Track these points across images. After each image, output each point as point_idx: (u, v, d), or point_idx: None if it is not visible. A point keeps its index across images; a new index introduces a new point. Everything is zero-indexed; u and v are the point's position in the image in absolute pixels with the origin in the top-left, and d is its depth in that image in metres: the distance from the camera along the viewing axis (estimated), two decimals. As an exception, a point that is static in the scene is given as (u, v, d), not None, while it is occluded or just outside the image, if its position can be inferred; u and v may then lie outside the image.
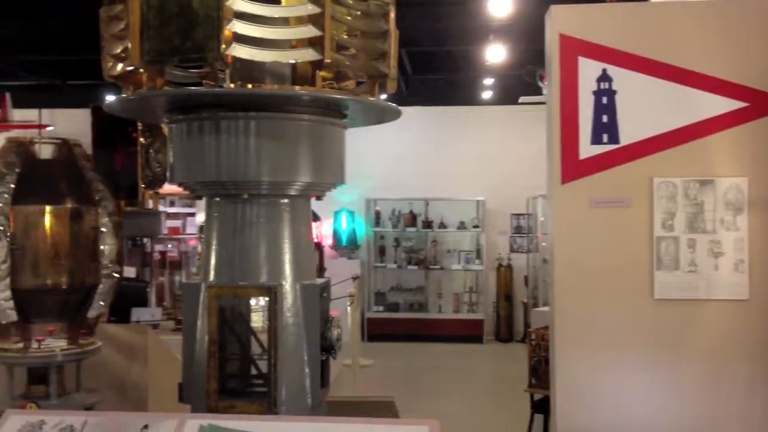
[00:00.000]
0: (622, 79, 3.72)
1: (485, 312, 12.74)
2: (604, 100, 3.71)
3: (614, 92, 3.74)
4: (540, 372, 5.70)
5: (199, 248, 8.62)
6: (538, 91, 10.06)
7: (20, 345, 3.15)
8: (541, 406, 5.96)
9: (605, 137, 3.74)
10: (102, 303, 3.35)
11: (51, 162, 3.11)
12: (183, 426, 1.88)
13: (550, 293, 3.89)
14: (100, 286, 3.24)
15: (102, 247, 3.29)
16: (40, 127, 10.87)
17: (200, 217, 11.40)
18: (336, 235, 12.59)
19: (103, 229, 3.25)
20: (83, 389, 3.28)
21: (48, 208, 3.02)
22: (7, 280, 2.90)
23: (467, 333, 12.36)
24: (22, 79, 10.58)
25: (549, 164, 3.87)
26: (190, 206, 12.41)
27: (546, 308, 7.04)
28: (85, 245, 3.15)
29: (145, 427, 1.89)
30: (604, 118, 3.72)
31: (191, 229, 12.25)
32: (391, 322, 12.49)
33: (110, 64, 2.60)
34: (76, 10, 7.39)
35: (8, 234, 2.90)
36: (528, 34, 8.91)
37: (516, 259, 12.80)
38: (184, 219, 12.51)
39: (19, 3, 7.50)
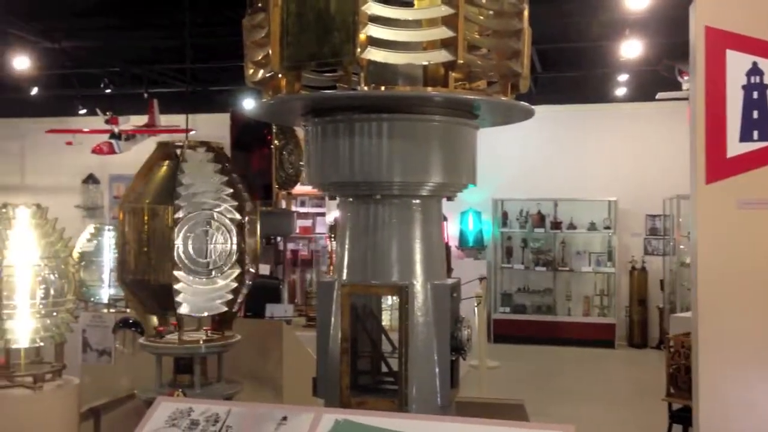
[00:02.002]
0: (774, 72, 3.49)
1: (617, 316, 12.29)
2: (755, 94, 3.49)
3: (766, 86, 3.51)
4: (679, 381, 5.43)
5: (329, 247, 8.84)
6: (676, 87, 9.59)
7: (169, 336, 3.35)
8: (681, 417, 5.69)
9: (755, 134, 3.51)
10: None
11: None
12: (319, 420, 1.94)
13: (693, 299, 3.70)
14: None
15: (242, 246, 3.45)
16: (185, 131, 11.55)
17: (330, 217, 11.70)
18: (462, 236, 12.55)
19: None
20: (224, 380, 3.45)
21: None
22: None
23: (598, 337, 11.98)
24: (168, 87, 11.26)
25: (692, 163, 3.68)
26: (320, 206, 12.77)
27: (686, 314, 6.69)
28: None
29: (284, 418, 1.97)
30: (755, 114, 3.49)
31: (321, 228, 12.59)
32: (517, 323, 12.30)
33: (251, 70, 2.72)
34: (217, 22, 7.81)
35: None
36: (666, 27, 8.52)
37: (651, 262, 12.27)
38: (314, 218, 12.88)
39: (165, 16, 8.00)
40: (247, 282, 3.40)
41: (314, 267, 12.13)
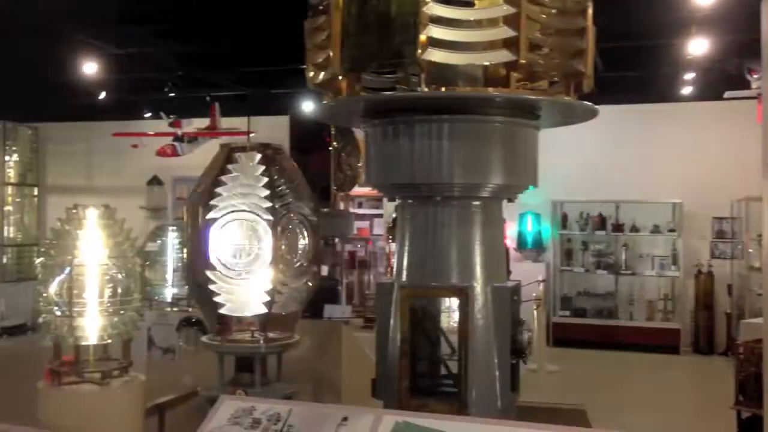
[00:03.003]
0: None
1: (682, 321, 11.96)
2: (829, 92, 3.35)
3: (841, 84, 3.37)
4: (749, 388, 5.26)
5: (387, 249, 8.86)
6: (745, 86, 9.28)
7: (229, 336, 3.41)
8: (750, 426, 5.50)
9: (832, 133, 3.37)
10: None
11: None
12: (380, 421, 1.94)
13: (765, 303, 3.57)
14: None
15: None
16: (246, 133, 11.73)
17: (388, 219, 11.70)
18: (521, 238, 12.41)
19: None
20: (283, 380, 3.48)
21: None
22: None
23: (661, 343, 11.67)
24: (229, 90, 11.46)
25: (764, 164, 3.55)
26: (377, 208, 12.79)
27: (757, 320, 6.46)
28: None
29: (345, 419, 1.98)
30: (832, 112, 3.36)
31: (378, 230, 12.61)
32: (578, 327, 12.09)
33: (312, 72, 2.74)
34: (277, 25, 7.90)
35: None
36: (735, 23, 8.24)
37: (717, 265, 11.89)
38: (372, 220, 12.91)
39: (227, 21, 8.14)
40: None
41: (371, 268, 12.16)
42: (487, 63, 2.42)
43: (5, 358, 10.66)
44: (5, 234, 12.37)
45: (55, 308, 3.09)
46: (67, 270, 3.09)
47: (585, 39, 2.46)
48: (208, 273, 3.18)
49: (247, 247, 3.19)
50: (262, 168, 3.22)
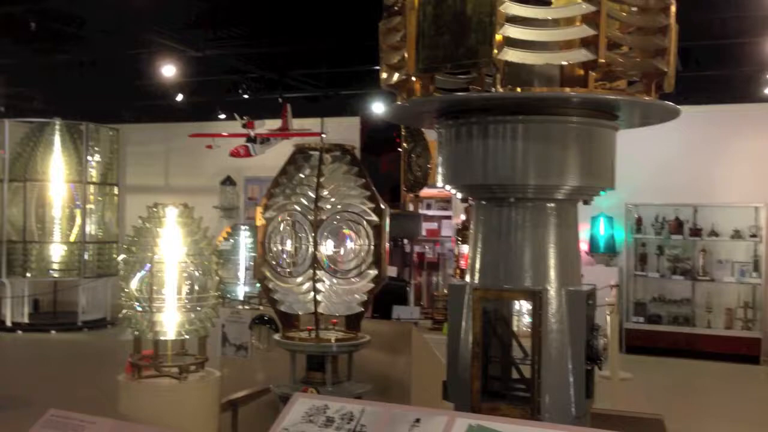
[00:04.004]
0: None
1: (763, 330, 11.48)
2: None
3: None
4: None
5: (456, 250, 8.80)
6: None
7: (302, 334, 3.45)
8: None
9: None
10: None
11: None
12: (453, 424, 1.93)
13: None
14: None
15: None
16: (318, 134, 11.88)
17: (457, 220, 11.65)
18: (593, 241, 12.14)
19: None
20: (353, 379, 3.50)
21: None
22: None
23: (740, 352, 11.23)
24: (301, 91, 11.62)
25: None
26: (445, 209, 12.75)
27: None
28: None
29: (417, 420, 1.97)
30: None
31: (447, 231, 12.57)
32: (652, 334, 11.75)
33: (386, 74, 2.75)
34: (349, 26, 7.98)
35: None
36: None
37: (802, 273, 11.38)
38: (440, 221, 12.87)
39: (299, 23, 8.26)
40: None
41: (440, 270, 12.12)
42: (564, 63, 2.38)
43: (87, 351, 11.10)
44: (87, 231, 12.85)
45: (136, 304, 3.20)
46: (147, 267, 3.18)
47: (667, 37, 2.39)
48: (267, 272, 3.25)
49: (303, 247, 3.22)
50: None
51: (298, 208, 3.22)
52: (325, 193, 3.21)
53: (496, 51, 2.26)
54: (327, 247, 3.22)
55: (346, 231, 3.27)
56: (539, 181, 2.54)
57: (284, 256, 3.26)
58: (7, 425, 5.49)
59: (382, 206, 3.46)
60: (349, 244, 3.27)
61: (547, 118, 2.51)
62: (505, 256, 2.64)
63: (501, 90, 2.36)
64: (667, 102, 2.48)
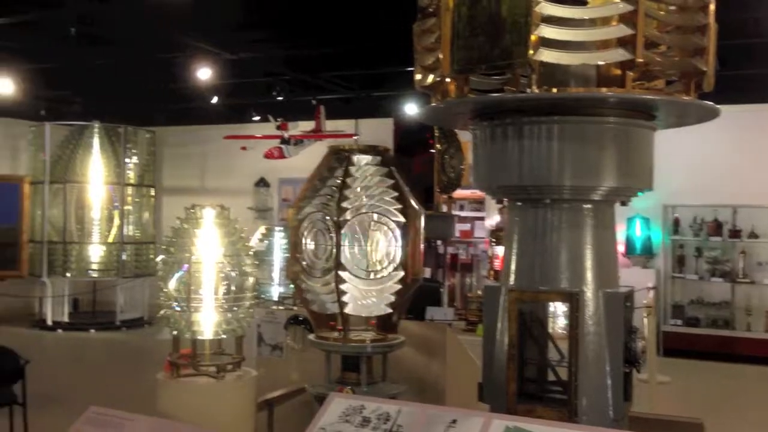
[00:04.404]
0: None
1: (804, 334, 11.23)
2: None
3: None
4: None
5: (490, 252, 8.77)
6: None
7: (336, 334, 3.47)
8: None
9: None
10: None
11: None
12: (489, 425, 1.92)
13: None
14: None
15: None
16: (350, 135, 11.92)
17: (490, 221, 11.60)
18: (629, 243, 11.99)
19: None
20: (388, 380, 3.51)
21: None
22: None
23: (782, 356, 11.01)
24: (334, 93, 11.67)
25: None
26: (479, 210, 12.69)
27: None
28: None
29: (454, 421, 1.97)
30: None
31: (480, 232, 12.51)
32: (690, 337, 11.55)
33: (420, 75, 2.75)
34: (381, 28, 7.99)
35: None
36: None
37: None
38: (473, 222, 12.82)
39: (332, 25, 8.30)
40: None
41: (474, 271, 12.07)
42: (601, 62, 2.36)
43: (125, 349, 11.28)
44: (125, 232, 13.07)
45: (174, 304, 3.25)
46: (185, 267, 3.23)
47: (706, 36, 2.35)
48: (299, 272, 3.28)
49: (327, 248, 3.24)
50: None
51: (325, 209, 3.25)
52: (350, 194, 3.24)
53: (531, 51, 2.25)
54: (350, 248, 3.24)
55: (371, 232, 3.27)
56: (575, 182, 2.53)
57: (313, 256, 3.29)
58: (50, 422, 5.61)
59: (415, 207, 3.46)
60: (375, 246, 3.28)
61: (584, 118, 2.49)
62: (540, 257, 2.63)
63: (536, 91, 2.35)
64: (706, 102, 2.44)
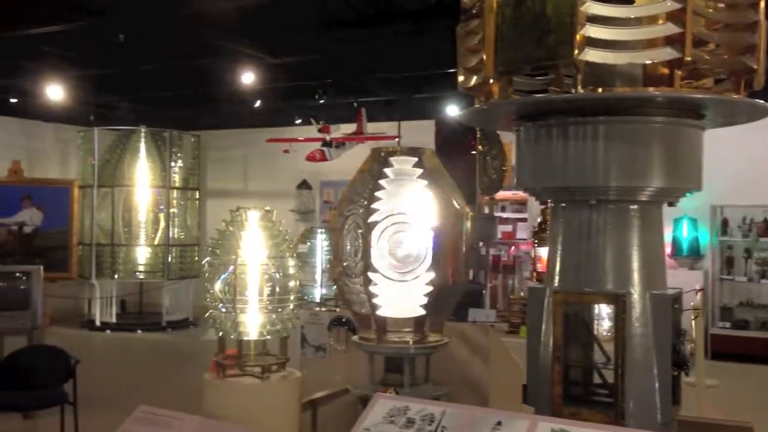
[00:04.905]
0: None
1: None
2: None
3: None
4: None
5: (532, 253, 8.70)
6: None
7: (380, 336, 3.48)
8: None
9: None
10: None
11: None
12: (535, 427, 1.91)
13: None
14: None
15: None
16: (392, 137, 11.95)
17: (533, 223, 11.50)
18: (676, 244, 11.78)
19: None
20: (431, 381, 3.51)
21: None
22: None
23: (835, 360, 10.68)
24: (376, 95, 11.70)
25: None
26: (520, 211, 12.60)
27: None
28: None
29: (499, 423, 1.96)
30: None
31: (521, 234, 12.42)
32: (739, 340, 11.30)
33: (463, 77, 2.75)
34: (421, 30, 7.99)
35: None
36: None
37: None
38: (515, 224, 12.73)
39: (374, 28, 8.32)
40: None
41: (516, 273, 11.99)
42: (648, 62, 2.33)
43: (171, 350, 11.48)
44: (170, 234, 13.29)
45: (220, 305, 3.29)
46: (231, 269, 3.28)
47: (757, 34, 2.31)
48: (341, 274, 3.31)
49: (361, 250, 3.26)
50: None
51: (360, 211, 3.27)
52: (382, 195, 3.26)
53: (576, 51, 2.24)
54: (381, 250, 3.25)
55: (398, 234, 3.28)
56: (622, 182, 2.50)
57: (351, 257, 3.31)
58: (99, 421, 5.74)
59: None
60: (404, 247, 3.28)
61: (630, 118, 2.46)
62: (585, 258, 2.60)
63: (582, 91, 2.33)
64: (756, 100, 2.39)
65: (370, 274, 3.24)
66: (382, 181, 3.27)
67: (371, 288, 3.24)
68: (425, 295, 3.29)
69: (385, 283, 3.25)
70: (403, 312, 3.33)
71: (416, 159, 3.41)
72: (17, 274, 7.11)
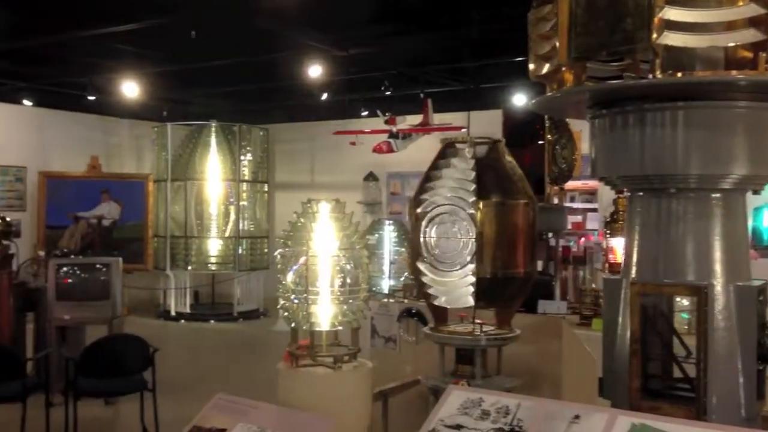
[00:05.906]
0: None
1: None
2: None
3: None
4: None
5: (604, 244, 8.50)
6: None
7: (450, 327, 3.47)
8: None
9: None
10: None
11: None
12: (614, 422, 1.87)
13: None
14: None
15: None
16: (459, 128, 11.86)
17: (604, 213, 11.26)
18: (756, 234, 11.35)
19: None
20: (503, 373, 3.48)
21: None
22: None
23: None
24: (442, 86, 11.65)
25: None
26: (590, 201, 12.35)
27: None
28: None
29: (576, 417, 1.93)
30: None
31: (591, 224, 12.17)
32: (824, 335, 10.84)
33: (535, 65, 2.70)
34: (488, 18, 7.91)
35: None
36: None
37: None
38: (585, 214, 12.49)
39: (440, 18, 8.28)
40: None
41: (587, 264, 11.74)
42: (731, 44, 2.23)
43: (242, 340, 11.73)
44: (240, 227, 13.56)
45: (292, 296, 3.34)
46: (302, 260, 3.31)
47: None
48: (419, 264, 3.31)
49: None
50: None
51: (424, 202, 3.28)
52: (437, 185, 3.25)
53: (654, 35, 2.17)
54: (430, 241, 3.25)
55: (446, 225, 3.25)
56: (703, 170, 2.42)
57: (423, 249, 3.33)
58: (177, 407, 5.92)
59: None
60: (449, 238, 3.25)
61: (711, 103, 2.38)
62: (665, 249, 2.53)
63: (660, 76, 2.26)
64: None
65: (418, 264, 3.26)
66: (443, 170, 3.26)
67: (422, 278, 3.25)
68: (471, 286, 3.22)
69: (432, 273, 3.26)
70: (451, 302, 3.31)
71: (485, 149, 3.38)
72: (98, 266, 7.37)
